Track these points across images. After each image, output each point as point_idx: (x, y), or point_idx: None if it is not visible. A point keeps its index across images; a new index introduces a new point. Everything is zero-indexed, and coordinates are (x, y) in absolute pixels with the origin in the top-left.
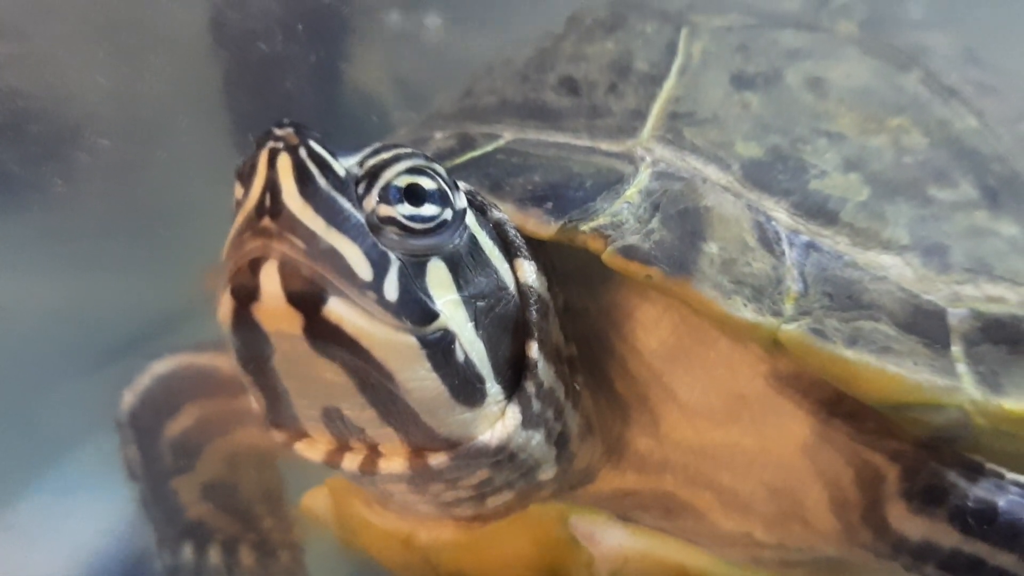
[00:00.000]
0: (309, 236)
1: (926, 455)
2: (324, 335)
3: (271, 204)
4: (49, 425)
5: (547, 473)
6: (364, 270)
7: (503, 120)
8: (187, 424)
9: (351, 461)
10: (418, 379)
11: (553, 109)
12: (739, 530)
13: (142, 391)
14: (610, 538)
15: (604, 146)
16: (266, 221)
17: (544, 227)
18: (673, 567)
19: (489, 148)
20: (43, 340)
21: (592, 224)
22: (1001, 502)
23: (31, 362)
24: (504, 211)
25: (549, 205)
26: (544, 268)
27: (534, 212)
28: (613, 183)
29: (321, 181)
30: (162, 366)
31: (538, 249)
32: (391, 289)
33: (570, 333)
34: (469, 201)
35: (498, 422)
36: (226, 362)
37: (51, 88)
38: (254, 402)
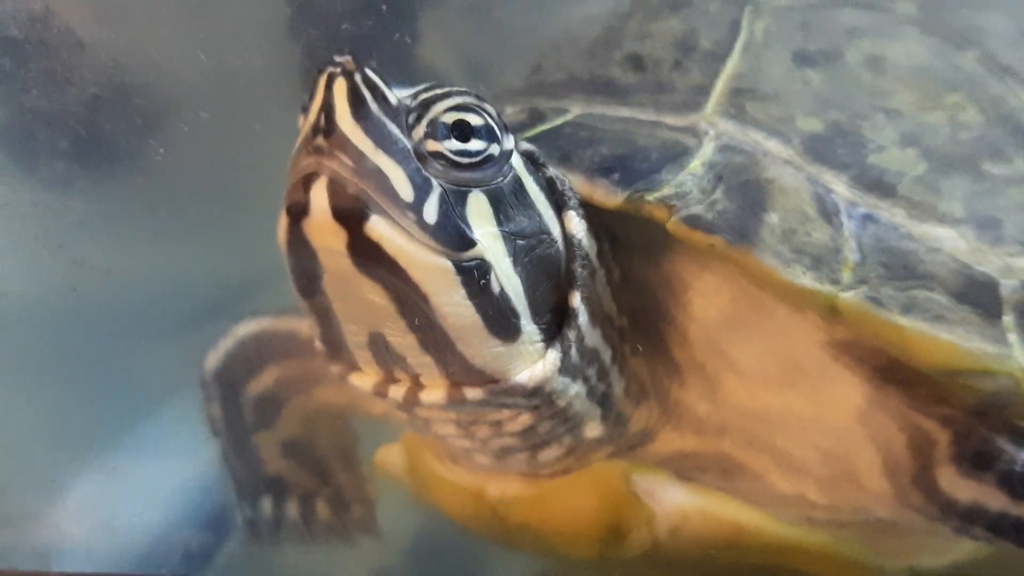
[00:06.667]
0: (357, 155)
1: (976, 421)
2: (365, 252)
3: (325, 124)
4: (138, 383)
5: (594, 431)
6: (406, 191)
7: (571, 95)
8: (268, 384)
9: (396, 391)
10: (452, 304)
11: (619, 85)
12: (794, 491)
13: (225, 352)
14: (670, 496)
15: (669, 120)
16: (319, 140)
17: (611, 197)
18: (730, 524)
19: (558, 122)
20: (138, 301)
21: (657, 194)
22: None
23: (128, 322)
24: (572, 182)
25: (616, 176)
26: (597, 235)
27: (601, 183)
28: (678, 155)
29: (373, 105)
30: (245, 328)
31: (598, 220)
32: (431, 212)
33: (625, 305)
34: (529, 156)
35: (538, 363)
36: (304, 326)
37: (155, 63)
38: (312, 332)
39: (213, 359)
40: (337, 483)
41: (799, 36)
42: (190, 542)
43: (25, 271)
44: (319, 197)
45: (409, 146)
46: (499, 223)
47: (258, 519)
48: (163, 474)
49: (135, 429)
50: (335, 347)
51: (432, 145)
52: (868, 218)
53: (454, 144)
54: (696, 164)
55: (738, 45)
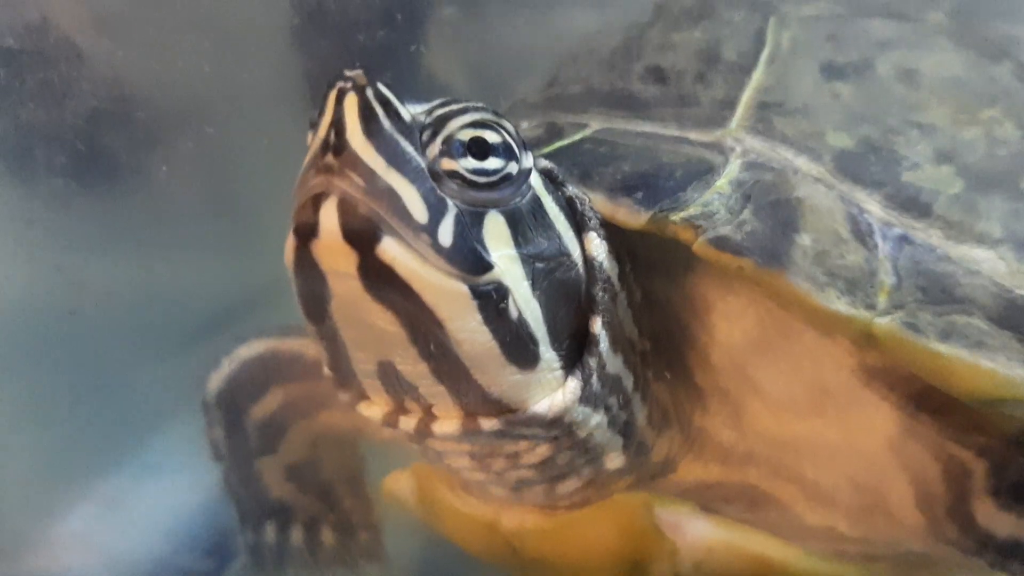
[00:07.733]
0: (369, 174)
1: (1015, 451)
2: (377, 276)
3: (335, 141)
4: (137, 404)
5: (615, 461)
6: (420, 212)
7: (590, 109)
8: (272, 407)
9: (407, 422)
10: (468, 330)
11: (640, 98)
12: (823, 523)
13: (228, 374)
14: (694, 528)
15: (693, 136)
16: (329, 157)
17: (634, 217)
18: (757, 559)
19: (577, 137)
20: (138, 322)
21: (683, 214)
22: None
23: (127, 344)
24: (593, 201)
25: (639, 195)
26: (618, 255)
27: (624, 202)
28: (703, 173)
29: (385, 122)
30: (248, 350)
31: (618, 240)
32: (446, 234)
33: (646, 328)
34: (547, 174)
35: (557, 392)
36: (310, 347)
37: (157, 75)
38: (320, 357)
39: (216, 381)
40: (343, 508)
41: (827, 47)
42: (191, 569)
43: (21, 293)
44: (329, 218)
45: (423, 164)
46: (517, 245)
47: (261, 545)
48: (163, 499)
49: (134, 453)
50: (344, 374)
51: (447, 163)
52: (904, 239)
53: (470, 163)
54: (723, 182)
55: (763, 57)
